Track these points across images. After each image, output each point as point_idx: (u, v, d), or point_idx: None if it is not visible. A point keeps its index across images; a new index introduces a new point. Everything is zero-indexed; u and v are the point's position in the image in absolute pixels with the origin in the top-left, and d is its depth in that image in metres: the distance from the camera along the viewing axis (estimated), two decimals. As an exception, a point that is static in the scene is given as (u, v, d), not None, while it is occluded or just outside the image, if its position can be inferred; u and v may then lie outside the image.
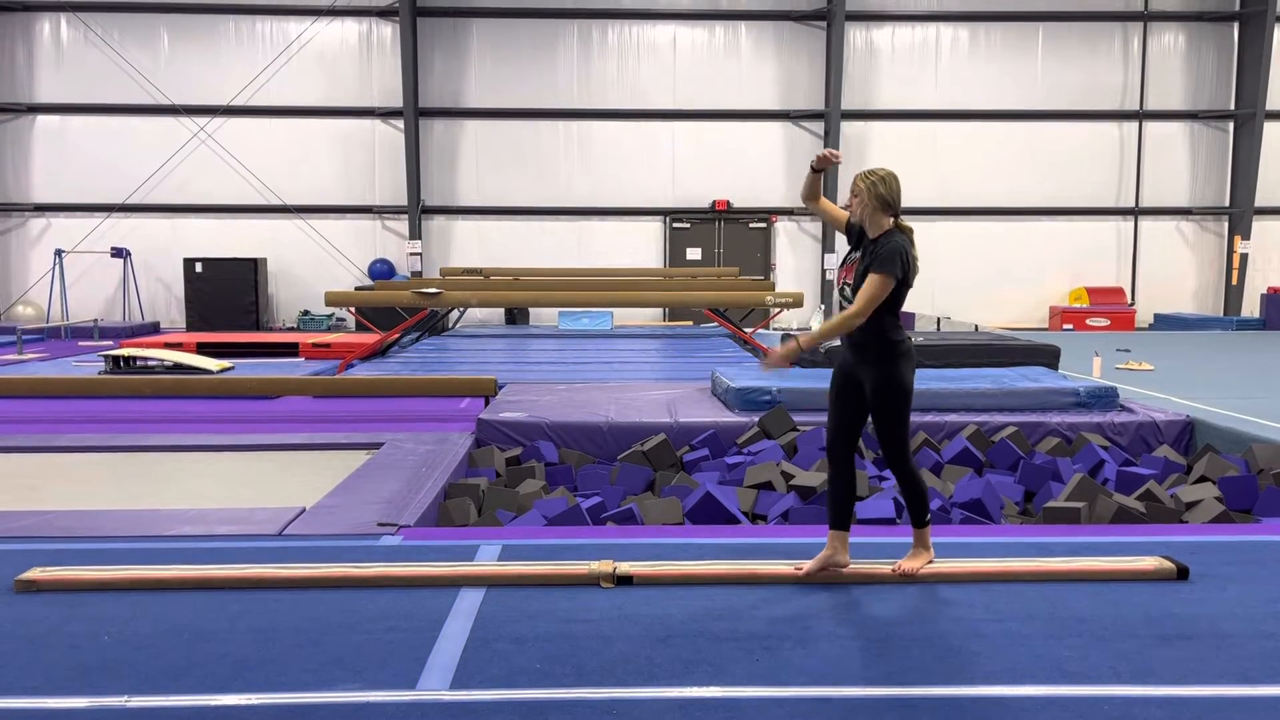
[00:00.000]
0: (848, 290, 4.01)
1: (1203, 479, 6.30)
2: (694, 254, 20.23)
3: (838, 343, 4.14)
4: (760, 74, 19.81)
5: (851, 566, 4.07)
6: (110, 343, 15.06)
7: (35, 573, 3.96)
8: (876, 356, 3.95)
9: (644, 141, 19.95)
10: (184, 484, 6.12)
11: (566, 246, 19.99)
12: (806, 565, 4.05)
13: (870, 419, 4.04)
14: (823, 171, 4.06)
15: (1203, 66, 20.07)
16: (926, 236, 21.98)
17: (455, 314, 18.09)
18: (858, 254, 4.05)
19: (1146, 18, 19.86)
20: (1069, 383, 8.26)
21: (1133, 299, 20.21)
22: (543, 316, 19.65)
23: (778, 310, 12.78)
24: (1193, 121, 20.16)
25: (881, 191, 3.92)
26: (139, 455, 6.83)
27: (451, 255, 19.98)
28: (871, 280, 3.87)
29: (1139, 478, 6.20)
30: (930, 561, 4.08)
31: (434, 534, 4.84)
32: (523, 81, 19.72)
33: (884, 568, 4.10)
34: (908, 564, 4.05)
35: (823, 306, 20.00)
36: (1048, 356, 9.89)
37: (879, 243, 3.93)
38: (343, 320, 19.38)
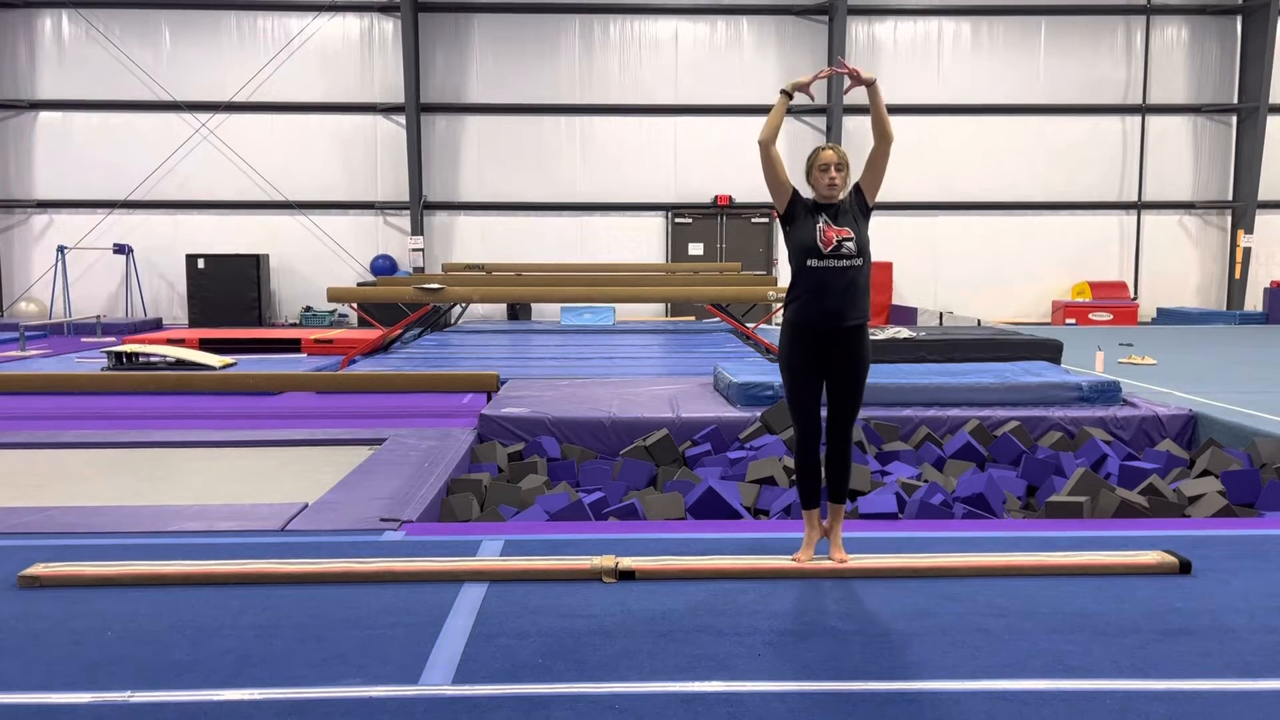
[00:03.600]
0: (849, 245, 3.95)
1: (1205, 473, 6.30)
2: (696, 249, 20.22)
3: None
4: (762, 69, 19.77)
5: (853, 561, 4.08)
6: (113, 339, 15.07)
7: (38, 568, 3.97)
8: (863, 325, 4.02)
9: (646, 137, 19.92)
10: (187, 480, 6.13)
11: (569, 242, 19.98)
12: (800, 555, 4.11)
13: (844, 386, 4.04)
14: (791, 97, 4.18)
15: (1205, 60, 20.02)
16: (928, 231, 21.98)
17: (457, 310, 18.10)
18: (826, 216, 4.01)
19: (1149, 11, 19.81)
20: (1071, 377, 8.25)
21: (1135, 293, 20.18)
22: (545, 312, 19.65)
23: (780, 305, 12.76)
24: (1196, 115, 20.12)
25: (850, 160, 4.09)
26: (142, 451, 6.84)
27: (453, 251, 19.98)
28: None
29: (1142, 472, 6.20)
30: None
31: (436, 529, 4.85)
32: (524, 77, 19.70)
33: (891, 562, 4.10)
34: (840, 552, 4.11)
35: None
36: (1050, 351, 9.87)
37: (852, 196, 4.10)
38: (345, 316, 19.38)
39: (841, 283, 3.95)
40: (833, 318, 3.97)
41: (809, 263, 3.97)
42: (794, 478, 6.09)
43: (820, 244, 3.96)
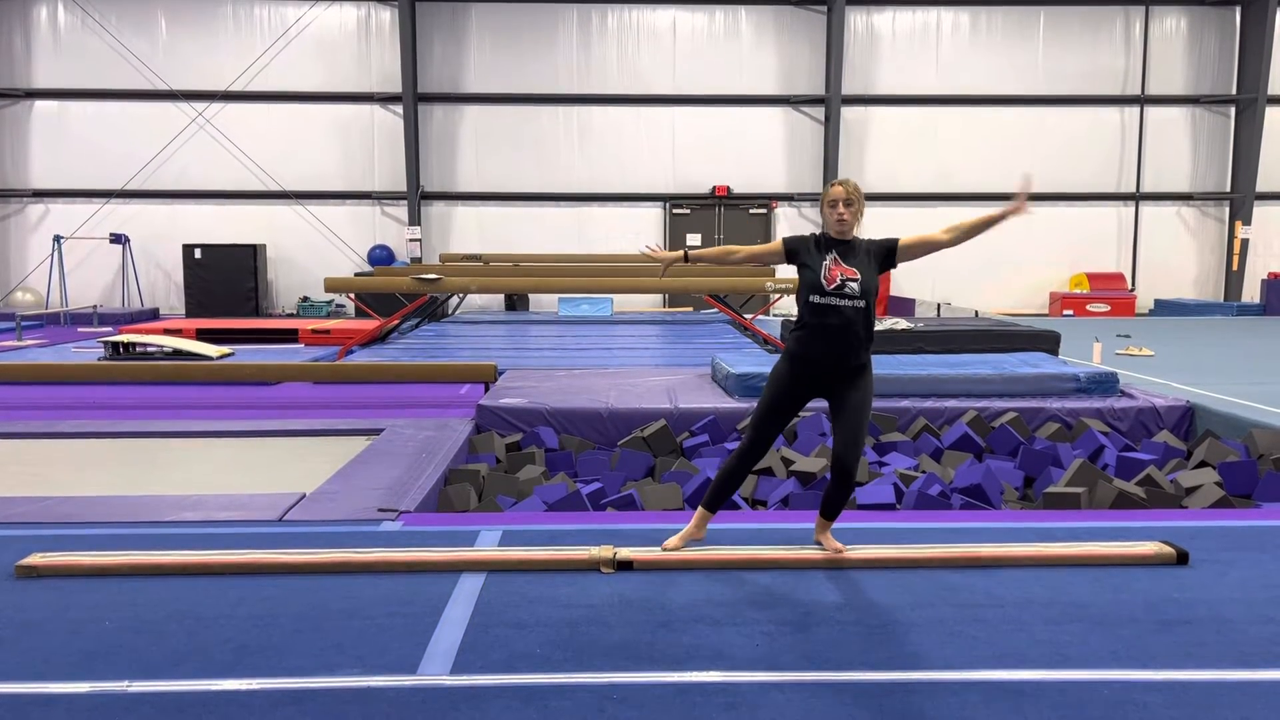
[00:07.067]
0: (852, 285, 3.92)
1: (1203, 464, 6.31)
2: (694, 240, 20.19)
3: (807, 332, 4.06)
4: (761, 59, 19.73)
5: (849, 552, 4.09)
6: (110, 329, 15.05)
7: (36, 558, 3.96)
8: (867, 357, 4.03)
9: (644, 127, 19.88)
10: (184, 470, 6.12)
11: (566, 232, 19.95)
12: (669, 542, 4.15)
13: (846, 422, 4.02)
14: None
15: (1204, 51, 19.99)
16: (926, 222, 21.85)
17: (455, 300, 18.07)
18: (836, 253, 3.99)
19: (1148, 1, 19.76)
20: (1069, 368, 8.26)
21: (1133, 285, 20.18)
22: (543, 303, 19.63)
23: (778, 296, 12.75)
24: (1194, 106, 20.09)
25: (862, 195, 4.05)
26: (139, 441, 6.83)
27: (451, 241, 19.95)
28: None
29: (1139, 463, 6.20)
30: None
31: (434, 520, 4.84)
32: (522, 66, 19.64)
33: (889, 553, 4.10)
34: (832, 543, 4.13)
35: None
36: (1048, 342, 9.88)
37: (867, 239, 4.06)
38: (342, 306, 19.36)
39: (841, 321, 3.94)
40: (831, 356, 4.00)
41: (811, 298, 3.99)
42: (791, 467, 6.12)
43: (824, 280, 3.96)
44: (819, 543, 4.17)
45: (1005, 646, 3.25)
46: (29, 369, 9.17)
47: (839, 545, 4.11)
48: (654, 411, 7.43)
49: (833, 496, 4.09)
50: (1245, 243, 19.90)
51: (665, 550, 4.09)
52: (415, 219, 19.57)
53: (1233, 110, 20.02)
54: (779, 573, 3.97)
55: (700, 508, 4.20)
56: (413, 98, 19.12)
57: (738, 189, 19.98)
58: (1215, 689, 2.95)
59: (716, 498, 4.19)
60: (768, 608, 3.58)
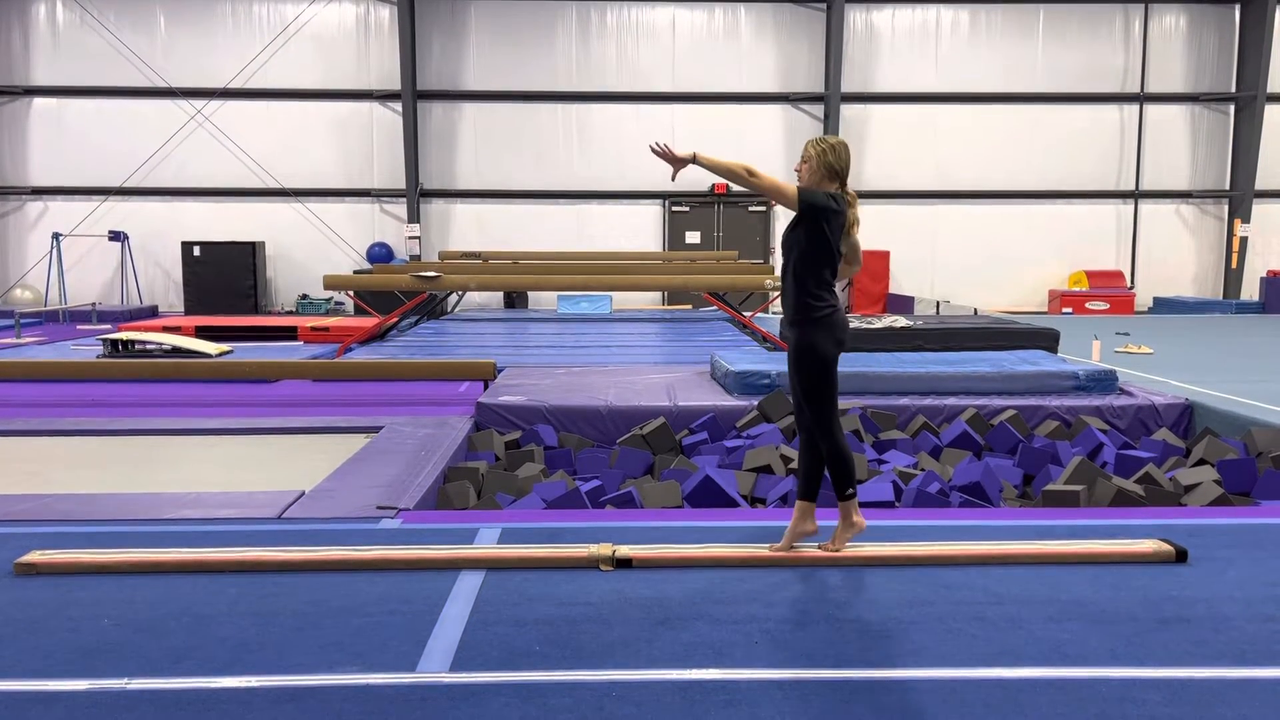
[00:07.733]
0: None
1: (1201, 462, 6.31)
2: (693, 237, 20.20)
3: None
4: (760, 57, 19.72)
5: (849, 550, 4.09)
6: (108, 326, 15.04)
7: (35, 556, 3.96)
8: (796, 321, 3.99)
9: (643, 124, 19.86)
10: (183, 467, 6.12)
11: (565, 230, 19.95)
12: (779, 544, 4.10)
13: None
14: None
15: (1204, 49, 19.99)
16: (926, 220, 21.92)
17: (454, 298, 18.07)
18: None
19: (1148, -1, 19.79)
20: (1068, 366, 8.26)
21: (1132, 282, 20.19)
22: (542, 300, 19.63)
23: (777, 294, 12.74)
24: (1193, 104, 20.10)
25: (830, 160, 4.00)
26: (138, 439, 6.83)
27: (450, 239, 19.94)
28: (783, 184, 3.91)
29: (1138, 461, 6.20)
30: (861, 530, 4.10)
31: (433, 517, 4.85)
32: (521, 64, 19.64)
33: (887, 550, 4.10)
34: (833, 543, 4.08)
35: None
36: (1047, 340, 9.88)
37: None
38: (341, 304, 19.36)
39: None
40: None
41: None
42: (790, 465, 6.13)
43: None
44: (813, 534, 4.15)
45: (1004, 644, 3.25)
46: (28, 366, 9.17)
47: (839, 545, 4.10)
48: (653, 409, 7.43)
49: (828, 471, 4.10)
50: (1244, 240, 19.91)
51: (773, 550, 4.06)
52: (414, 216, 19.56)
53: (1232, 108, 20.02)
54: (778, 570, 3.97)
55: (798, 500, 4.14)
56: (412, 95, 19.11)
57: (736, 187, 19.93)
58: (1214, 687, 2.95)
59: (803, 486, 4.13)
60: (767, 605, 3.59)
